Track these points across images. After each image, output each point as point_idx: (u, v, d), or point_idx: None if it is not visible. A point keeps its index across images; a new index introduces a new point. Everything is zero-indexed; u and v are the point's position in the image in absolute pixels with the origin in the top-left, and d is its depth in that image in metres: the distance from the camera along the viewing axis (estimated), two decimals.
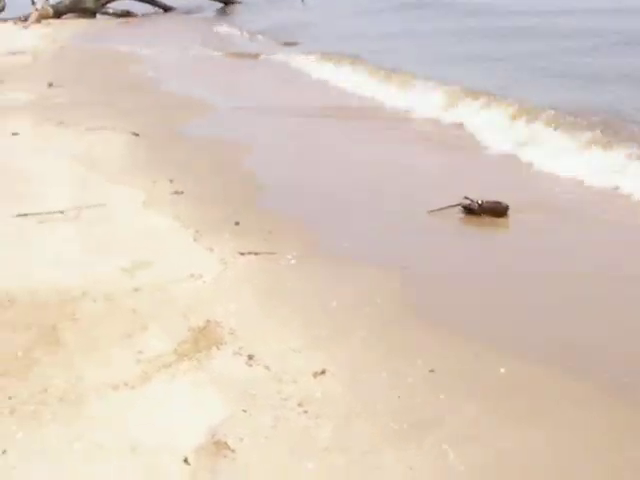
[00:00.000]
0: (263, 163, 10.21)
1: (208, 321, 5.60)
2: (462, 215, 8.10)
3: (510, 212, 8.00)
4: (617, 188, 8.74)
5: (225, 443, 4.25)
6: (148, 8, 33.34)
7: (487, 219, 7.94)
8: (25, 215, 7.69)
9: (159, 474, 4.06)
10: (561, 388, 4.88)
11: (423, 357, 5.16)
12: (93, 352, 5.22)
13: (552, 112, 11.47)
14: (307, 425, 4.44)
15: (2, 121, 12.10)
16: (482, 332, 5.62)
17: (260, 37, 24.91)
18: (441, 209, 8.04)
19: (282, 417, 4.50)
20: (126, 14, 32.16)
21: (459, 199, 8.13)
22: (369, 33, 22.85)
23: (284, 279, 6.48)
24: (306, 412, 4.55)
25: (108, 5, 32.65)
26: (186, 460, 4.11)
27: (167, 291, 6.14)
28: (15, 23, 29.60)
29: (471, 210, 8.10)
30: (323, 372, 4.94)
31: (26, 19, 29.83)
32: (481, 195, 8.08)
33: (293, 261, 6.78)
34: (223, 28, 27.83)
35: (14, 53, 21.24)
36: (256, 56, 21.06)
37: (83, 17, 31.64)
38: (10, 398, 4.67)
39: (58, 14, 31.26)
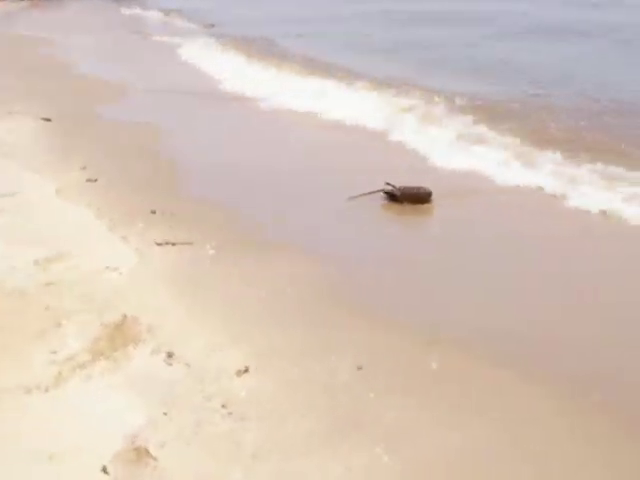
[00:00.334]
0: (179, 148, 9.97)
1: (125, 316, 5.37)
2: (384, 202, 8.01)
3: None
4: None
5: (146, 450, 4.05)
6: None
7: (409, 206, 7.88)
8: None
9: None
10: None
11: (351, 351, 5.02)
12: (4, 352, 4.95)
13: None
14: (232, 428, 4.26)
15: None
16: (405, 320, 5.53)
17: (176, 19, 24.64)
18: (362, 195, 7.93)
19: (205, 420, 4.31)
20: None
21: (380, 185, 8.03)
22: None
23: (203, 271, 6.28)
24: (231, 414, 4.37)
25: None
26: (105, 469, 3.90)
27: (81, 285, 5.87)
28: None
29: (393, 196, 7.99)
30: (247, 370, 4.77)
31: None
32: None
33: (212, 251, 6.59)
34: (133, 10, 27.40)
35: None
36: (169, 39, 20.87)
37: None
38: None
39: None
